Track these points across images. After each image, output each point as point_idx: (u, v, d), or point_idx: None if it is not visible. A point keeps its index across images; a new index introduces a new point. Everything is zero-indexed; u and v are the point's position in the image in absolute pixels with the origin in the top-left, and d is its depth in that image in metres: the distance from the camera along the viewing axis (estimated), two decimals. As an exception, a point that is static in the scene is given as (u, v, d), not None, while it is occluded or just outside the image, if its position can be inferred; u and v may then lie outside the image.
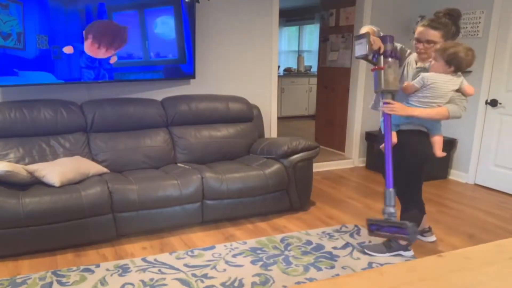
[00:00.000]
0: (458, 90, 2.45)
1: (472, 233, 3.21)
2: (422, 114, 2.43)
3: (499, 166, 4.16)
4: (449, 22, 2.42)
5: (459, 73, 2.43)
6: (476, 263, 1.24)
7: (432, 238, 3.06)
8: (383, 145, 2.55)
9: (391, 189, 2.43)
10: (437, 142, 2.55)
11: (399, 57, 2.50)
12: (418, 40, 2.49)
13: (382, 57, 2.43)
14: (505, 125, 4.07)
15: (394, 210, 2.41)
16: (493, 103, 4.11)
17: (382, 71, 2.42)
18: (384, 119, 2.47)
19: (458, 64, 2.35)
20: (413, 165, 2.60)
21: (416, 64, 2.59)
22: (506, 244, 1.38)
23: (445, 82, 2.38)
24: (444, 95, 2.42)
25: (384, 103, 2.46)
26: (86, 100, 3.55)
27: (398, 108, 2.41)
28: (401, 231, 2.33)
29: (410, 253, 2.82)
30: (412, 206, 2.68)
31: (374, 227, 2.45)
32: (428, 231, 3.07)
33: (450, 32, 2.44)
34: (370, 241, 3.01)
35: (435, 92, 2.40)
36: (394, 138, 2.53)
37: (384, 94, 2.46)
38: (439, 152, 2.55)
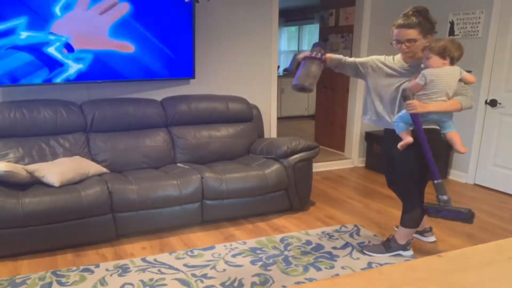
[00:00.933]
0: (460, 81, 2.46)
1: (471, 233, 3.21)
2: (437, 108, 2.45)
3: (498, 166, 4.16)
4: (421, 19, 2.46)
5: (456, 66, 2.45)
6: (476, 263, 1.24)
7: (432, 239, 3.06)
8: (401, 143, 2.55)
9: (440, 181, 2.55)
10: (456, 139, 2.54)
11: (323, 59, 2.61)
12: (399, 41, 2.51)
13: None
14: (504, 125, 4.07)
15: (447, 197, 2.56)
16: (493, 103, 4.11)
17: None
18: (412, 119, 2.47)
19: (450, 53, 2.39)
20: (422, 165, 2.58)
21: (407, 63, 2.60)
22: (506, 244, 1.38)
23: (447, 74, 2.40)
24: (450, 87, 2.43)
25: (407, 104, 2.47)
26: (86, 100, 3.55)
27: (418, 106, 2.42)
28: (458, 216, 2.54)
29: (410, 253, 2.82)
30: (414, 206, 2.68)
31: (432, 210, 2.63)
32: (428, 231, 3.07)
33: (426, 27, 2.48)
34: (369, 241, 3.01)
35: (440, 86, 2.40)
36: (410, 138, 2.53)
37: (408, 96, 2.47)
38: (462, 148, 2.54)
